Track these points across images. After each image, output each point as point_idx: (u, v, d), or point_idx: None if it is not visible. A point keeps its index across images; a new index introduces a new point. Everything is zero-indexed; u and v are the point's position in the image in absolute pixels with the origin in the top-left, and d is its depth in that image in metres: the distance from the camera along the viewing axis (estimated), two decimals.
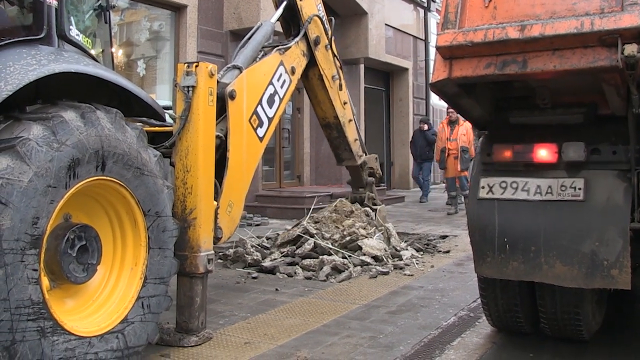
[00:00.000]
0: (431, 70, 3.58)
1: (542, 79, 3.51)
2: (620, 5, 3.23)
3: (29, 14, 3.67)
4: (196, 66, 4.35)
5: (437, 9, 21.25)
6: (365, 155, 8.03)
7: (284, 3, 6.24)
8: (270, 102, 5.42)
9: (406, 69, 18.87)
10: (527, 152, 3.82)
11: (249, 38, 5.74)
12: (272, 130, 5.46)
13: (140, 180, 3.68)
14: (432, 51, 20.57)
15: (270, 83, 5.49)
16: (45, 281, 3.24)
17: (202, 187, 4.27)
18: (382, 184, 16.56)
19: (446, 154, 12.51)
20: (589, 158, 3.76)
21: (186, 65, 4.38)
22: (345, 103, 7.22)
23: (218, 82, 4.65)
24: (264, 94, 5.35)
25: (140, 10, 11.40)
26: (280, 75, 5.68)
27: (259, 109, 5.24)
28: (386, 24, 16.80)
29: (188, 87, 4.31)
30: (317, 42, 6.48)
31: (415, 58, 19.70)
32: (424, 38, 20.20)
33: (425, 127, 15.25)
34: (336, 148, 7.66)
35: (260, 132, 5.24)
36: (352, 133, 7.47)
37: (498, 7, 3.46)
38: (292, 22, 6.45)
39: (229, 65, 5.29)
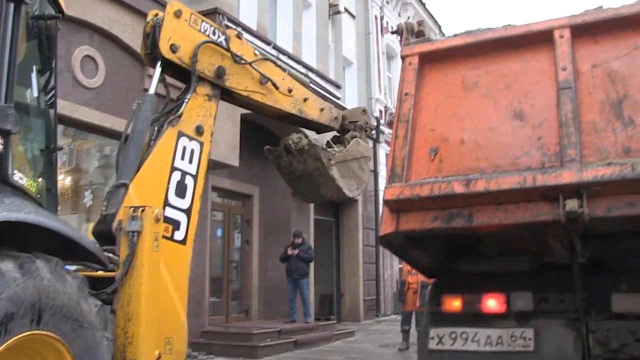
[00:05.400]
0: (380, 223, 3.60)
1: (488, 231, 3.56)
2: (559, 160, 3.35)
3: None
4: (142, 211, 4.26)
5: (386, 140, 21.91)
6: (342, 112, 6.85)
7: (158, 63, 4.90)
8: (181, 191, 4.66)
9: (355, 200, 19.12)
10: (475, 302, 3.82)
11: (130, 131, 4.70)
12: (196, 219, 4.74)
13: (78, 333, 3.50)
14: (382, 182, 21.00)
15: (173, 169, 4.63)
16: None
17: (143, 337, 4.08)
18: (332, 317, 16.33)
19: (406, 287, 12.46)
20: (537, 307, 3.78)
21: (131, 209, 4.30)
22: (290, 90, 5.96)
23: (105, 216, 4.30)
24: (168, 189, 4.58)
25: (90, 140, 11.41)
26: (184, 149, 4.75)
27: (168, 211, 4.53)
28: None
29: (133, 232, 4.21)
30: (220, 73, 5.16)
31: (365, 189, 19.98)
32: (373, 169, 20.64)
33: (299, 240, 13.96)
34: (307, 127, 6.65)
35: (179, 235, 4.61)
36: (313, 109, 6.33)
37: (444, 160, 3.56)
38: (180, 73, 5.14)
39: (110, 189, 4.48)
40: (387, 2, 23.04)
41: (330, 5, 18.22)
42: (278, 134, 7.20)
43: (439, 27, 26.06)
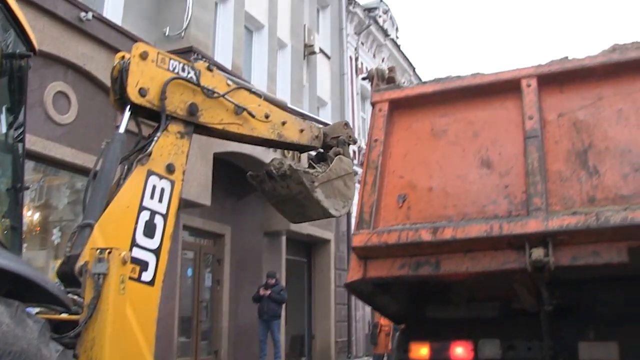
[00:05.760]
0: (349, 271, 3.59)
1: (456, 279, 3.57)
2: (525, 209, 3.38)
3: None
4: (109, 253, 4.18)
5: (359, 180, 21.93)
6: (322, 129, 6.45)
7: (127, 107, 4.67)
8: (150, 231, 4.49)
9: (328, 241, 19.07)
10: (444, 349, 3.80)
11: (98, 170, 4.55)
12: (165, 259, 4.54)
13: None
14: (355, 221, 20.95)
15: (142, 209, 4.49)
16: None
17: None
18: (303, 359, 16.14)
19: (378, 330, 12.37)
20: (505, 355, 3.77)
21: (98, 251, 4.21)
22: (267, 116, 5.69)
23: (69, 257, 4.15)
24: (135, 229, 4.43)
25: (61, 176, 11.29)
26: (153, 188, 4.60)
27: (136, 252, 4.35)
28: None
29: (98, 274, 4.12)
30: (193, 111, 4.94)
31: (338, 229, 19.99)
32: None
33: (273, 281, 13.73)
34: (288, 149, 6.51)
35: (147, 276, 4.41)
36: (293, 131, 6.00)
37: (412, 207, 3.57)
38: (153, 115, 4.92)
39: (74, 229, 4.36)
40: (362, 44, 23.36)
41: (306, 46, 18.40)
42: None
43: (414, 69, 26.43)
